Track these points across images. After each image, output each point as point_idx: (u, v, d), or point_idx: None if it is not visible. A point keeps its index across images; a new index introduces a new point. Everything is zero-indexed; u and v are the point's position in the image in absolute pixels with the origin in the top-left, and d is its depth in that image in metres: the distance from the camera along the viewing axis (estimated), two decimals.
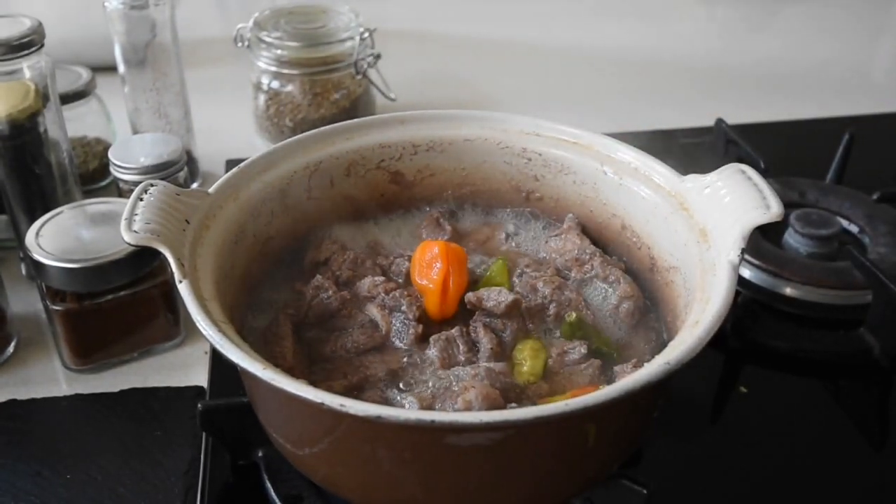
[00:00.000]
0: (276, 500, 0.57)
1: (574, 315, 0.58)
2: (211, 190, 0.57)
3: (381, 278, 0.60)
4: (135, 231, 0.50)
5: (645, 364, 0.45)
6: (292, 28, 1.02)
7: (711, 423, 0.68)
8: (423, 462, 0.45)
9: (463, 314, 0.59)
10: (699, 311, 0.48)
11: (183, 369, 0.73)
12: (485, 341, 0.56)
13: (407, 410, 0.42)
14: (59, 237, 0.68)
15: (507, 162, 0.67)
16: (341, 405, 0.41)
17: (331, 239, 0.65)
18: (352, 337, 0.57)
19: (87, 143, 0.96)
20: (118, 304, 0.69)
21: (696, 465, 0.63)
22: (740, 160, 0.90)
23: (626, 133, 0.97)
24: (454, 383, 0.53)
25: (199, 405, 0.58)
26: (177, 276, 0.49)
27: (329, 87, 1.02)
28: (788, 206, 0.83)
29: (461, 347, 0.56)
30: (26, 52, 0.71)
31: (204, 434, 0.63)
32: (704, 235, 0.54)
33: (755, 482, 0.62)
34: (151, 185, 0.54)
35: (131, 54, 0.89)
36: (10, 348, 0.74)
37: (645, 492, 0.56)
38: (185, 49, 0.94)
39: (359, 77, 1.03)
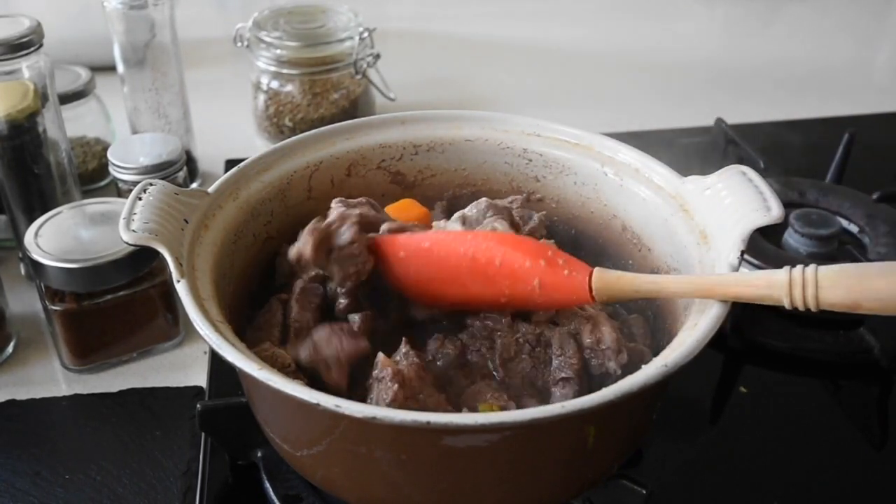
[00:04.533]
0: (275, 501, 0.57)
1: None
2: (210, 190, 0.57)
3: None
4: (133, 231, 0.50)
5: (643, 366, 0.45)
6: (292, 28, 1.02)
7: (711, 423, 0.68)
8: (420, 463, 0.45)
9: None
10: (698, 314, 0.48)
11: (182, 369, 0.73)
12: None
13: (403, 411, 0.42)
14: (58, 237, 0.68)
15: (507, 163, 0.67)
16: (336, 405, 0.41)
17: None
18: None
19: (87, 143, 0.96)
20: (117, 305, 0.69)
21: (696, 465, 0.63)
22: (740, 160, 0.90)
23: (626, 133, 0.97)
24: None
25: (198, 405, 0.58)
26: (175, 275, 0.49)
27: (328, 86, 1.02)
28: (788, 205, 0.83)
29: None
30: (25, 51, 0.71)
31: (203, 434, 0.63)
32: (705, 237, 0.54)
33: (755, 482, 0.62)
34: (150, 185, 0.54)
35: (130, 54, 0.89)
36: (10, 348, 0.74)
37: (644, 492, 0.56)
38: (184, 49, 0.94)
39: (358, 77, 1.02)
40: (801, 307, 0.45)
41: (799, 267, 0.46)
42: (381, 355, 0.51)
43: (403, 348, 0.53)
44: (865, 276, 0.44)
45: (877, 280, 0.43)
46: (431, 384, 0.51)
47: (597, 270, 0.50)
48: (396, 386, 0.49)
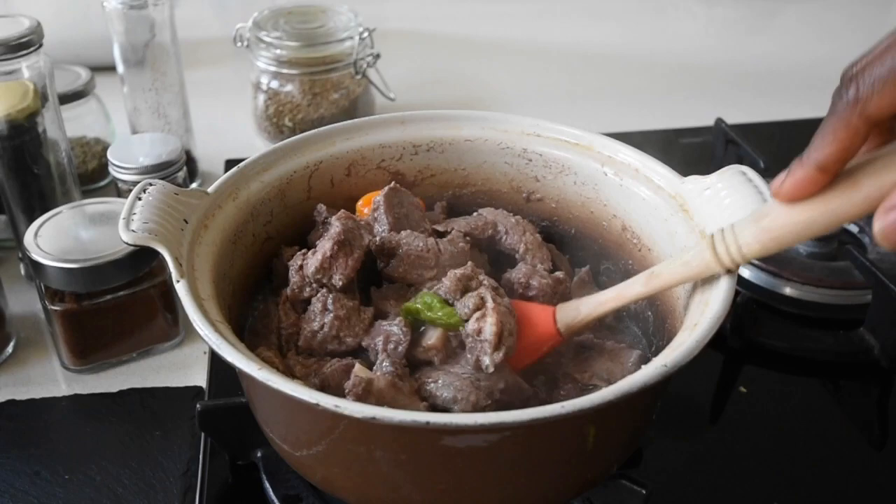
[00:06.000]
0: (275, 501, 0.57)
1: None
2: (210, 190, 0.57)
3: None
4: (133, 230, 0.50)
5: (643, 366, 0.45)
6: (291, 28, 1.02)
7: (711, 423, 0.68)
8: (420, 463, 0.45)
9: None
10: (698, 314, 0.48)
11: (182, 369, 0.73)
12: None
13: (402, 412, 0.42)
14: (57, 237, 0.68)
15: (507, 163, 0.67)
16: (336, 406, 0.41)
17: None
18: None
19: (86, 143, 0.96)
20: (117, 305, 0.69)
21: (696, 465, 0.63)
22: (740, 160, 0.90)
23: (626, 133, 0.96)
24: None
25: (198, 405, 0.58)
26: (174, 275, 0.49)
27: (328, 86, 1.02)
28: None
29: None
30: (25, 51, 0.71)
31: (203, 434, 0.63)
32: (704, 237, 0.54)
33: (755, 482, 0.62)
34: (150, 185, 0.54)
35: (130, 54, 0.89)
36: (9, 348, 0.74)
37: (644, 492, 0.56)
38: (184, 49, 0.94)
39: (358, 77, 1.02)
40: (733, 268, 0.48)
41: (718, 232, 0.48)
42: (357, 364, 0.51)
43: (381, 360, 0.53)
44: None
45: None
46: (410, 393, 0.50)
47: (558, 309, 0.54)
48: (357, 378, 0.48)
